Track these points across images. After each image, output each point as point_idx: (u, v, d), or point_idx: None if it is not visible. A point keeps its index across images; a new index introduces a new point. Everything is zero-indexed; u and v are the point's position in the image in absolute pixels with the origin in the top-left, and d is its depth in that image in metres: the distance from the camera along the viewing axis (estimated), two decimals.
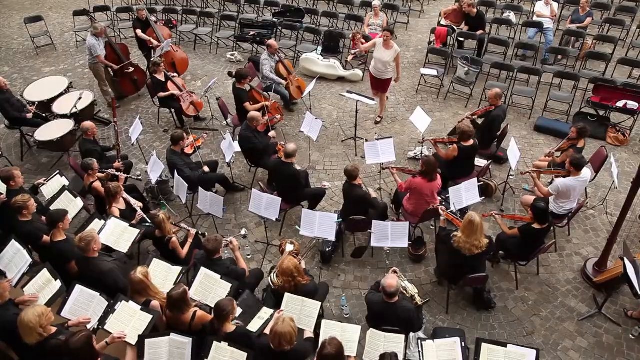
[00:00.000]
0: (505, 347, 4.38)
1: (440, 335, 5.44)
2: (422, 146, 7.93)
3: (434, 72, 9.29)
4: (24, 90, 9.05)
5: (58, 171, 6.78)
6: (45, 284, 5.04)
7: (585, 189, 6.76)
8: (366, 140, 7.77)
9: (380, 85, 8.56)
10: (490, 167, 7.30)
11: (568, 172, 6.17)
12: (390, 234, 5.77)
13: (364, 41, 9.41)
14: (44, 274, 5.08)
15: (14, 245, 5.36)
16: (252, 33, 11.08)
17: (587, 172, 6.22)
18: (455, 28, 10.36)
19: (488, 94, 7.48)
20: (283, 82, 8.88)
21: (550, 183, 6.65)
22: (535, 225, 5.61)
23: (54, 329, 4.24)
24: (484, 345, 4.40)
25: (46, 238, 5.46)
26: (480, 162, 7.22)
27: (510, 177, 7.33)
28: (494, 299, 5.95)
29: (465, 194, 6.16)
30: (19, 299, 4.84)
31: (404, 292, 5.16)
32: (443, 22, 10.62)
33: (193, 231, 5.94)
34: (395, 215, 6.90)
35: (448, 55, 10.02)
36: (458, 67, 9.33)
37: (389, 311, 4.74)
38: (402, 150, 8.14)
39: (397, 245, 5.84)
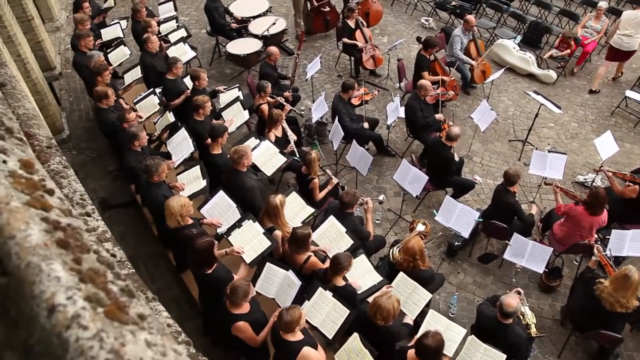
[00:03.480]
0: None
1: None
2: (596, 174, 7.08)
3: None
4: (230, 3, 9.77)
5: (238, 84, 7.30)
6: (194, 179, 5.57)
7: None
8: (536, 148, 7.15)
9: (624, 56, 8.65)
10: None
11: None
12: (528, 253, 5.34)
13: (573, 44, 8.52)
14: (196, 170, 5.62)
15: (183, 133, 5.96)
16: (453, 3, 10.58)
17: None
18: None
19: None
20: (473, 62, 8.43)
21: None
22: None
23: (190, 221, 4.71)
24: None
25: (209, 141, 5.91)
26: None
27: None
28: None
29: (630, 242, 5.41)
30: (171, 184, 5.44)
31: (521, 317, 4.80)
32: None
33: (335, 180, 6.03)
34: (539, 236, 6.35)
35: None
36: None
37: (498, 331, 4.45)
38: (572, 170, 7.36)
39: (531, 267, 5.40)
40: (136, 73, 7.05)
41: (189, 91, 6.69)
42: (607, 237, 5.63)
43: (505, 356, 4.27)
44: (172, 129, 6.17)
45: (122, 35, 7.88)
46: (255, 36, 8.74)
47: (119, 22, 8.04)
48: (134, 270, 2.04)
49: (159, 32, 7.98)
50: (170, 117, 6.23)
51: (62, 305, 0.88)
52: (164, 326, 1.13)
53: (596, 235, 5.66)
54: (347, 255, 4.50)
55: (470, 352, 4.35)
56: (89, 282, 0.96)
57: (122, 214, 6.57)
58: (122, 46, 7.54)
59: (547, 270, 5.75)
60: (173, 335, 1.63)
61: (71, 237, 1.05)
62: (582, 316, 5.13)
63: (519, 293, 4.81)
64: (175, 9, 9.16)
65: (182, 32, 8.17)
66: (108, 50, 7.49)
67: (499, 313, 4.44)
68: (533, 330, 4.78)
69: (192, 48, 8.05)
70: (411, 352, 3.99)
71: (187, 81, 6.97)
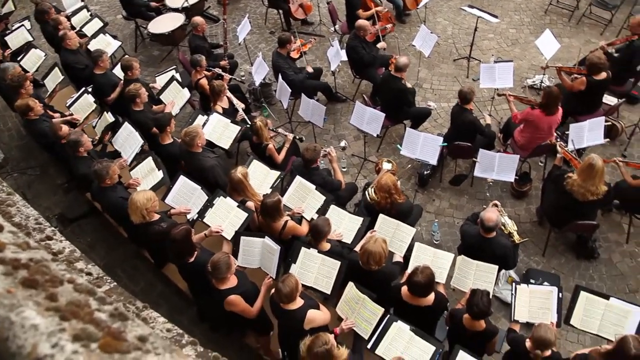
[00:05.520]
0: (608, 299, 4.07)
1: (533, 277, 5.25)
2: (543, 74, 7.19)
3: None
4: None
5: (174, 66, 6.93)
6: (149, 172, 5.31)
7: None
8: (481, 62, 7.16)
9: None
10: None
11: None
12: (496, 166, 5.42)
13: None
14: (149, 162, 5.34)
15: (127, 127, 5.64)
16: None
17: None
18: None
19: (631, 20, 6.49)
20: None
21: None
22: None
23: (157, 216, 4.50)
24: (583, 294, 4.12)
25: (155, 130, 5.61)
26: (609, 99, 6.44)
27: None
28: (598, 249, 5.56)
29: (588, 132, 5.57)
30: (126, 183, 5.17)
31: (502, 227, 4.90)
32: None
33: (290, 136, 5.89)
34: (502, 146, 6.46)
35: None
36: None
37: (484, 245, 4.55)
38: (519, 76, 7.44)
39: (502, 179, 5.50)
40: (56, 76, 6.56)
41: (122, 82, 6.30)
42: (565, 132, 5.77)
43: (497, 267, 4.38)
44: (113, 129, 5.83)
45: (31, 38, 7.30)
46: (175, 10, 8.28)
47: (22, 25, 7.43)
48: (115, 283, 1.90)
49: (73, 27, 7.43)
50: (108, 117, 5.86)
51: (49, 356, 0.76)
52: (168, 341, 1.02)
53: (555, 134, 5.77)
54: (323, 219, 4.42)
55: (463, 272, 4.44)
56: (73, 317, 0.84)
57: (84, 225, 6.26)
58: (34, 49, 7.00)
59: (516, 177, 5.88)
60: (176, 339, 1.53)
61: (37, 272, 0.92)
62: (557, 212, 5.30)
63: (496, 205, 4.90)
64: None
65: (98, 23, 7.63)
66: (19, 58, 6.93)
67: (481, 229, 4.51)
68: (516, 237, 4.90)
69: (113, 37, 7.56)
70: (404, 289, 4.03)
71: (118, 71, 6.56)
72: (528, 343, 3.74)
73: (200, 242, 4.45)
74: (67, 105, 6.18)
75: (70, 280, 0.95)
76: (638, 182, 5.26)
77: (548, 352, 3.64)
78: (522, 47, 8.04)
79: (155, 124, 5.48)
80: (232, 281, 3.94)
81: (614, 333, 3.82)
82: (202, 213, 4.72)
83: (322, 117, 6.13)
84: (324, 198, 4.87)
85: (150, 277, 5.65)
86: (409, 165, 6.33)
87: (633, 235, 5.65)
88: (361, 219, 4.72)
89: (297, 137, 6.01)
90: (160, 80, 6.61)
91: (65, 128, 5.40)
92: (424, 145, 5.57)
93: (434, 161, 5.60)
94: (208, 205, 4.73)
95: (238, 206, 4.67)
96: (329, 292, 4.23)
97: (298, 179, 4.99)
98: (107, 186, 4.76)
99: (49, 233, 1.83)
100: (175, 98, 6.25)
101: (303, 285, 4.17)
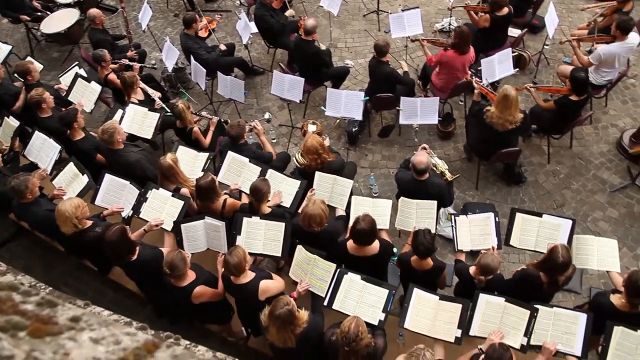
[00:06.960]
0: (541, 217, 4.34)
1: (470, 210, 5.49)
2: (451, 16, 7.39)
3: None
4: None
5: (76, 62, 6.52)
6: (73, 178, 5.01)
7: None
8: (389, 13, 7.26)
9: None
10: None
11: (613, 38, 5.72)
12: (419, 111, 5.57)
13: None
14: (71, 167, 5.04)
15: (39, 136, 5.28)
16: None
17: (634, 37, 5.73)
18: None
19: None
20: None
21: (590, 52, 6.20)
22: (573, 97, 5.33)
23: (89, 223, 4.28)
24: (519, 215, 4.37)
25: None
26: (513, 31, 6.73)
27: (546, 47, 6.87)
28: (524, 173, 5.89)
29: (498, 65, 5.83)
30: (50, 195, 4.87)
31: (434, 168, 5.06)
32: None
33: (215, 119, 5.78)
34: (423, 92, 6.62)
35: None
36: None
37: (419, 188, 4.68)
38: (429, 22, 7.62)
39: (426, 122, 5.67)
40: None
41: (24, 89, 5.87)
42: (479, 69, 5.99)
43: (435, 202, 4.54)
44: (21, 135, 5.44)
45: None
46: (68, 5, 7.77)
47: None
48: (51, 288, 1.80)
49: None
50: (11, 121, 5.45)
51: None
52: (105, 318, 0.99)
53: (470, 71, 5.98)
54: (262, 179, 4.43)
55: (405, 213, 4.58)
56: None
57: (13, 248, 5.87)
58: None
59: (440, 119, 6.08)
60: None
61: None
62: (482, 145, 5.58)
63: (425, 148, 5.03)
64: None
65: None
66: None
67: (414, 173, 4.66)
68: (448, 175, 5.06)
69: (3, 43, 7.00)
70: (350, 242, 4.10)
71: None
72: (472, 269, 3.94)
73: (141, 239, 4.31)
74: None
75: None
76: (550, 105, 5.59)
77: (490, 276, 3.86)
78: None
79: (61, 122, 5.16)
80: (191, 275, 3.87)
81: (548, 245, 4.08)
82: (137, 209, 4.56)
83: (242, 93, 6.05)
84: (259, 169, 4.83)
85: (97, 285, 5.43)
86: (337, 122, 6.32)
87: (553, 155, 6.05)
88: (299, 182, 4.74)
89: (223, 120, 5.90)
90: (65, 81, 6.21)
91: None
92: (347, 102, 5.62)
93: (359, 116, 5.68)
94: (142, 200, 4.56)
95: (173, 195, 4.54)
96: (279, 255, 4.23)
97: (230, 154, 4.90)
98: (29, 201, 4.47)
99: None
100: (85, 95, 5.90)
101: (253, 254, 4.16)
